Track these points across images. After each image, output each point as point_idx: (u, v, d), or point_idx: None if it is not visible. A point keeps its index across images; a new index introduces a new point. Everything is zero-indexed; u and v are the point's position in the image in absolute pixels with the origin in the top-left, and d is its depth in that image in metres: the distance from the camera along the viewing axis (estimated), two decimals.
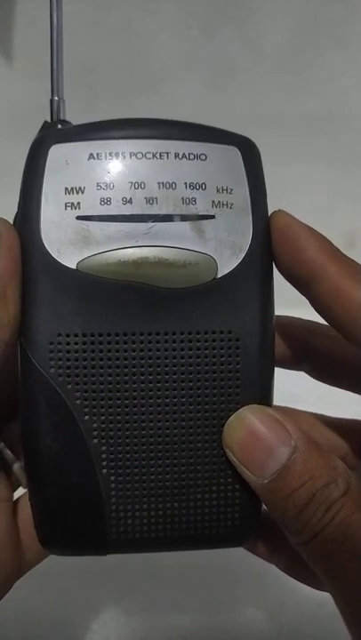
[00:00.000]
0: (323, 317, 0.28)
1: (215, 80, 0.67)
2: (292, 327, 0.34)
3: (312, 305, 0.28)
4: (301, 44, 0.66)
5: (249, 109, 0.67)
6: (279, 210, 0.29)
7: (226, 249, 0.28)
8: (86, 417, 0.27)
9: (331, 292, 0.27)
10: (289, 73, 0.67)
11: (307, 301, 0.29)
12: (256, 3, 0.63)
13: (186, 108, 0.67)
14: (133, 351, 0.27)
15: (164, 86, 0.67)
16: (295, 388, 0.38)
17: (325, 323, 0.30)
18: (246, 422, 0.27)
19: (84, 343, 0.27)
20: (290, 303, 0.30)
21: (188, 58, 0.66)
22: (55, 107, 0.30)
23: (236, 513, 0.29)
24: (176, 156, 0.28)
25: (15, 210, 0.28)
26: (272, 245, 0.28)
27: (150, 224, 0.27)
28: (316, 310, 0.28)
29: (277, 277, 0.29)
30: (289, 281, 0.29)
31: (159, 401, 0.28)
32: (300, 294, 0.29)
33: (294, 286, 0.28)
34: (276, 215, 0.29)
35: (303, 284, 0.28)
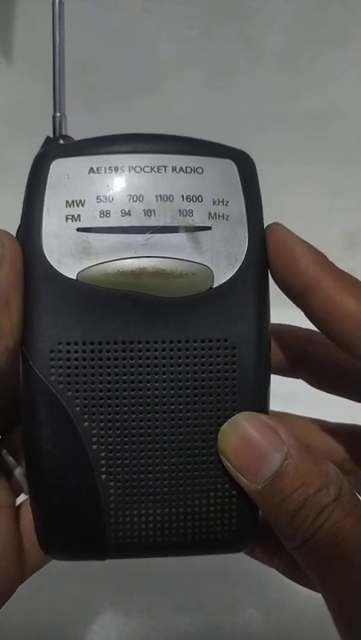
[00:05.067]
0: (317, 328, 0.29)
1: (215, 80, 0.67)
2: (290, 335, 0.35)
3: (307, 316, 0.29)
4: (301, 44, 0.66)
5: (249, 109, 0.68)
6: (275, 222, 0.29)
7: (222, 259, 0.28)
8: (86, 423, 0.28)
9: (324, 303, 0.27)
10: (289, 73, 0.67)
11: None
12: (256, 3, 0.63)
13: (186, 107, 0.67)
14: (132, 359, 0.28)
15: (164, 86, 0.67)
16: (295, 389, 0.39)
17: None
18: (239, 429, 0.27)
19: (84, 351, 0.28)
20: (289, 304, 0.30)
21: (188, 58, 0.66)
22: (57, 122, 0.31)
23: (233, 519, 0.29)
24: (173, 169, 0.28)
25: (14, 215, 0.29)
26: (268, 257, 0.29)
27: (148, 235, 0.27)
28: (310, 321, 0.29)
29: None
30: (284, 292, 0.29)
31: (157, 408, 0.28)
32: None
33: (289, 297, 0.29)
34: (271, 228, 0.29)
35: (298, 295, 0.28)
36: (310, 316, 0.29)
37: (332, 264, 0.28)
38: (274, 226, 0.29)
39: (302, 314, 0.29)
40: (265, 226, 0.29)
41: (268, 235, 0.29)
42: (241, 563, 0.42)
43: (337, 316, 0.27)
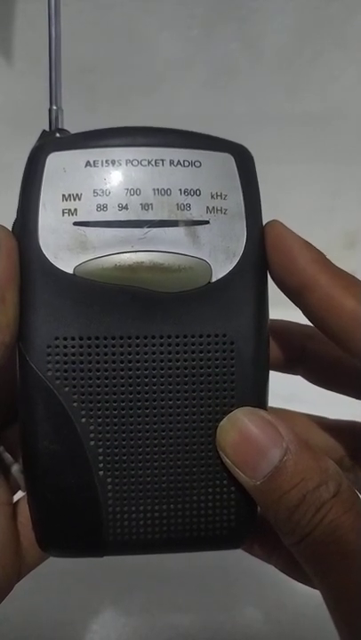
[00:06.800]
0: (315, 326, 0.28)
1: (215, 80, 0.67)
2: (289, 331, 0.34)
3: (305, 314, 0.29)
4: (301, 43, 0.66)
5: (249, 109, 0.68)
6: (274, 220, 0.29)
7: (220, 254, 0.28)
8: (83, 419, 0.28)
9: (322, 301, 0.27)
10: (289, 73, 0.67)
11: None
12: (256, 3, 0.63)
13: (186, 107, 0.67)
14: (129, 354, 0.28)
15: (164, 86, 0.67)
16: (294, 388, 0.38)
17: None
18: (239, 424, 0.27)
19: (81, 346, 0.27)
20: (288, 304, 0.30)
21: (188, 58, 0.66)
22: (53, 116, 0.31)
23: (231, 515, 0.29)
24: (171, 162, 0.28)
25: (14, 215, 0.29)
26: (266, 255, 0.29)
27: (146, 229, 0.27)
28: (308, 319, 0.29)
29: None
30: (282, 290, 0.29)
31: (155, 403, 0.28)
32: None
33: (287, 296, 0.29)
34: (270, 225, 0.29)
35: (295, 293, 0.28)
36: (308, 315, 0.28)
37: (330, 262, 0.28)
38: (273, 223, 0.29)
39: (299, 313, 0.29)
40: (264, 222, 0.29)
41: (267, 232, 0.29)
42: (240, 562, 0.42)
43: (335, 314, 0.27)
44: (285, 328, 0.34)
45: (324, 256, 0.28)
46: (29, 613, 0.47)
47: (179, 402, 0.28)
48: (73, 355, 0.27)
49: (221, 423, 0.28)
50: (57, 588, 0.48)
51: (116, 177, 0.28)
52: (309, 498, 0.25)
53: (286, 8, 0.64)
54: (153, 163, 0.28)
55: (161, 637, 0.47)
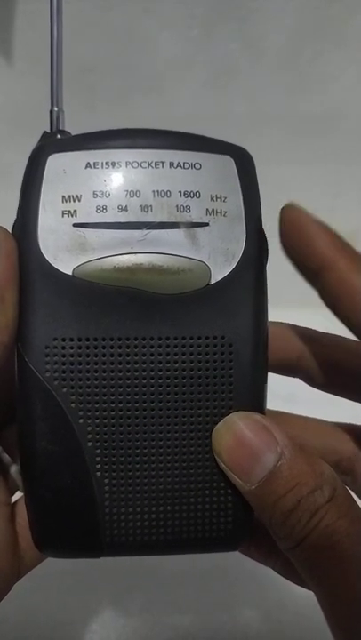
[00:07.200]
0: (329, 308, 0.28)
1: (215, 80, 0.67)
2: (288, 334, 0.34)
3: (320, 295, 0.29)
4: (301, 43, 0.66)
5: (249, 109, 0.68)
6: (290, 203, 0.29)
7: (219, 256, 0.28)
8: (81, 420, 0.28)
9: (339, 282, 0.27)
10: (289, 73, 0.67)
11: (304, 303, 0.29)
12: (256, 3, 0.63)
13: (186, 107, 0.67)
14: (128, 356, 0.28)
15: (164, 86, 0.67)
16: (293, 389, 0.38)
17: (321, 330, 0.30)
18: (233, 428, 0.27)
19: (80, 347, 0.27)
20: (288, 305, 0.30)
21: (188, 58, 0.66)
22: (54, 117, 0.31)
23: (228, 517, 0.29)
24: (171, 165, 0.28)
25: (14, 216, 0.29)
26: (281, 237, 0.29)
27: (145, 231, 0.27)
28: (323, 300, 0.29)
29: (274, 281, 0.29)
30: (299, 271, 0.29)
31: (153, 405, 0.28)
32: (299, 295, 0.29)
33: (304, 276, 0.29)
34: (287, 208, 0.29)
35: (313, 274, 0.28)
36: (323, 295, 0.29)
37: (347, 244, 0.28)
38: (290, 206, 0.29)
39: (301, 314, 0.29)
40: (264, 223, 0.29)
41: (284, 215, 0.29)
42: (240, 562, 0.41)
43: (350, 295, 0.27)
44: (284, 330, 0.34)
45: (342, 238, 0.28)
46: (29, 613, 0.47)
47: (177, 403, 0.28)
48: (71, 355, 0.27)
49: (217, 427, 0.28)
50: (57, 588, 0.48)
51: (115, 179, 0.28)
52: (304, 502, 0.25)
53: (286, 8, 0.63)
54: (153, 165, 0.28)
55: (161, 637, 0.47)
